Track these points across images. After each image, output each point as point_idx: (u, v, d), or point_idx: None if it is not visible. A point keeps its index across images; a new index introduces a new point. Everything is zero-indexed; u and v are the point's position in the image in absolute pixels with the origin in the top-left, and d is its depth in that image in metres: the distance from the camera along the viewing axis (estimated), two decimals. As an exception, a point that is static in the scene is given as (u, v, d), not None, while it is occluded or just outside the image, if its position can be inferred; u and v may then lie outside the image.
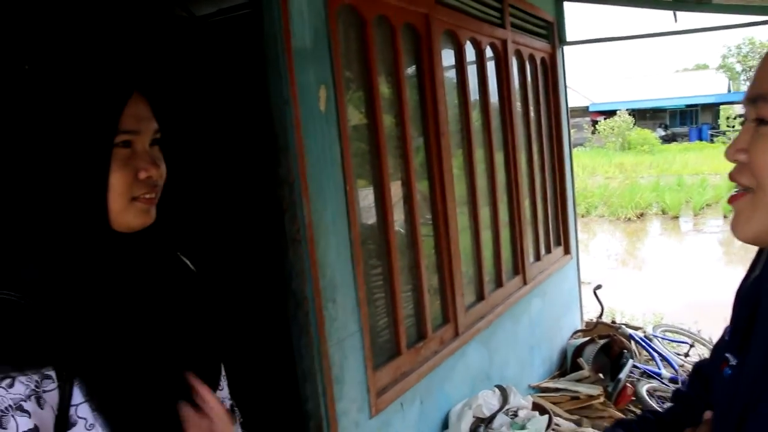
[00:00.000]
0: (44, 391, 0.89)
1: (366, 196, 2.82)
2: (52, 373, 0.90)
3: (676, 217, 14.34)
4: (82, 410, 0.93)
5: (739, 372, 0.91)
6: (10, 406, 0.85)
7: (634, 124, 29.26)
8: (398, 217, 2.98)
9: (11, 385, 0.86)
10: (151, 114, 1.02)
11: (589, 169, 21.50)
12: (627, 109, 29.56)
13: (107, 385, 0.94)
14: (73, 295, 0.94)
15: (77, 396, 0.93)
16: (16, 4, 2.57)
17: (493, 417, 3.21)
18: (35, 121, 0.95)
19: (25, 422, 0.86)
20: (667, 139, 31.40)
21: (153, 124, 1.02)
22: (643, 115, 33.20)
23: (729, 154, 0.87)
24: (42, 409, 0.88)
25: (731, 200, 0.87)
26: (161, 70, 3.30)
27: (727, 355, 0.96)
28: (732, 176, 0.87)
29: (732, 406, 0.90)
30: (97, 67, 0.98)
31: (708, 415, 1.07)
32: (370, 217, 2.84)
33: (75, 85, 0.96)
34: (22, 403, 0.86)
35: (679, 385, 4.32)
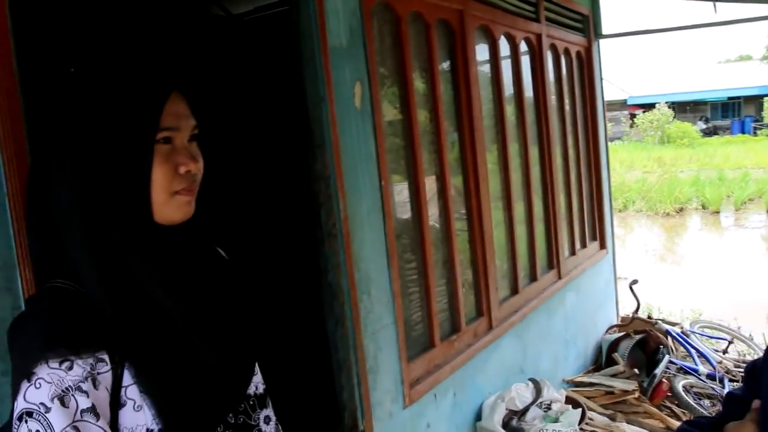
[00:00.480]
0: (99, 373, 0.95)
1: (401, 191, 2.86)
2: (105, 357, 0.96)
3: (717, 212, 14.06)
4: (130, 392, 0.99)
5: None
6: (70, 386, 0.92)
7: (674, 117, 28.67)
8: (433, 211, 3.02)
9: (70, 368, 0.92)
10: (189, 111, 1.07)
11: (627, 163, 21.19)
12: (666, 102, 28.97)
13: (153, 369, 0.99)
14: (121, 283, 1.00)
15: (127, 378, 0.99)
16: (60, 6, 2.67)
17: (526, 410, 3.23)
18: (82, 122, 1.00)
19: (84, 401, 0.92)
20: (708, 133, 30.72)
21: (191, 121, 1.07)
22: (683, 108, 32.51)
23: None
24: (97, 389, 0.95)
25: None
26: (200, 69, 3.39)
27: None
28: None
29: None
30: (138, 68, 1.04)
31: (756, 404, 1.08)
32: (404, 211, 2.88)
33: (118, 87, 1.01)
34: (81, 384, 0.93)
35: (728, 387, 4.27)
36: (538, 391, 3.35)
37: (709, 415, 3.87)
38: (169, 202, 1.03)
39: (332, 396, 2.43)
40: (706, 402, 4.20)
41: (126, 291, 0.99)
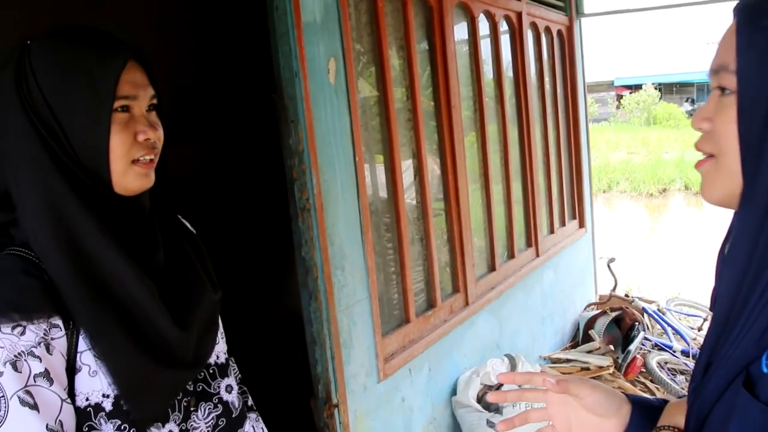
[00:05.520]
0: (52, 339, 0.97)
1: (376, 168, 2.87)
2: (60, 322, 0.98)
3: (699, 193, 14.15)
4: (86, 357, 1.01)
5: (711, 327, 0.97)
6: (22, 351, 0.93)
7: (660, 99, 28.76)
8: (408, 188, 3.03)
9: (23, 333, 0.93)
10: (147, 80, 1.07)
11: (613, 144, 21.27)
12: (653, 83, 29.03)
13: (106, 336, 1.00)
14: (76, 252, 0.99)
15: (82, 344, 1.00)
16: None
17: (500, 384, 3.28)
18: (40, 93, 0.99)
19: (36, 366, 0.94)
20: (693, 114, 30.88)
21: (150, 90, 1.07)
22: (670, 90, 32.59)
23: (694, 123, 0.89)
24: (51, 354, 0.96)
25: (697, 165, 0.91)
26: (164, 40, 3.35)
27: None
28: (697, 145, 0.90)
29: (701, 357, 0.95)
30: (94, 38, 1.03)
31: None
32: (380, 187, 2.90)
33: (74, 57, 1.00)
34: (33, 349, 0.94)
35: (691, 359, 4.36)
36: (513, 366, 3.40)
37: (681, 390, 3.96)
38: (128, 171, 1.04)
39: (307, 369, 2.47)
40: (680, 377, 4.29)
41: (80, 259, 0.99)
